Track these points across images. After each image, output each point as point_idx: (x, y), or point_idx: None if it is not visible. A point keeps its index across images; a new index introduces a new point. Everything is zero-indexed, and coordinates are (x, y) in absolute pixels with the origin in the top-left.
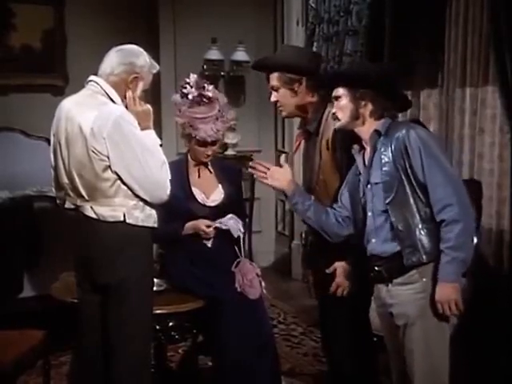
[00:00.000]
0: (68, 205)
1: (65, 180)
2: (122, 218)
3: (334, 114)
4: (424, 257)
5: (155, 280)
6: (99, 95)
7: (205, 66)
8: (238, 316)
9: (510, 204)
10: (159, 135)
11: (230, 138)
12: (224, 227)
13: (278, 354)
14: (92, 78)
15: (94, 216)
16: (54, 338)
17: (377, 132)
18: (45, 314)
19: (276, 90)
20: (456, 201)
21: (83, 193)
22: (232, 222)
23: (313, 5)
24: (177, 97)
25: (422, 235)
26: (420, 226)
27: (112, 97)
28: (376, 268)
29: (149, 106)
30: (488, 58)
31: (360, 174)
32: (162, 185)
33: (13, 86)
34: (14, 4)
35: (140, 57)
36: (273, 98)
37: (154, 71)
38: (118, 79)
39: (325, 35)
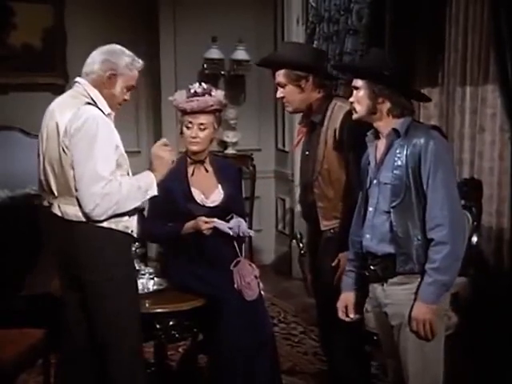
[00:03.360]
0: (45, 203)
1: (41, 177)
2: (85, 219)
3: (352, 103)
4: (416, 267)
5: (156, 279)
6: (82, 96)
7: (205, 65)
8: (238, 315)
9: (509, 202)
10: (159, 133)
11: (230, 137)
12: (232, 232)
13: (278, 352)
14: (77, 79)
15: (59, 214)
16: (54, 336)
17: (395, 131)
18: (45, 313)
19: (283, 87)
20: (448, 222)
21: (54, 189)
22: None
23: (313, 3)
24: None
25: (419, 246)
26: (419, 237)
27: (94, 98)
28: (371, 267)
29: (171, 158)
30: (488, 57)
31: (369, 163)
32: (86, 198)
33: (13, 85)
34: (14, 3)
35: (117, 54)
36: (279, 94)
37: (137, 68)
38: (96, 76)
39: (325, 34)
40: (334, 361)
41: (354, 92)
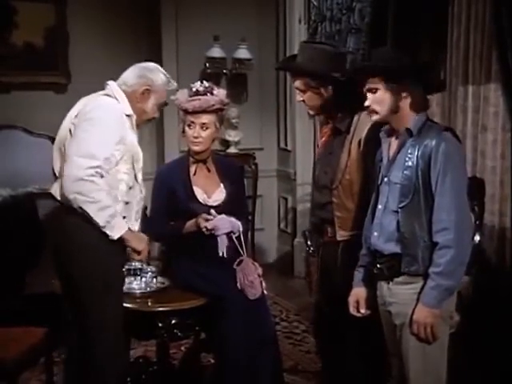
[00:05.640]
0: (52, 190)
1: (53, 164)
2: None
3: (368, 107)
4: (421, 269)
5: (158, 277)
6: (105, 94)
7: (207, 64)
8: (241, 313)
9: (511, 201)
10: (161, 132)
11: (232, 136)
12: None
13: (280, 351)
14: (108, 82)
15: (58, 198)
16: (56, 335)
17: (408, 130)
18: (46, 312)
19: (302, 92)
20: (454, 226)
21: (57, 173)
22: (220, 224)
23: (315, 2)
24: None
25: (425, 248)
26: (425, 239)
27: (118, 97)
28: (378, 265)
29: (145, 239)
30: (490, 56)
31: (382, 160)
32: (71, 164)
33: (15, 84)
34: (16, 2)
35: (154, 71)
36: (299, 99)
37: (171, 88)
38: (131, 90)
39: (327, 33)
40: (344, 360)
41: (369, 95)
